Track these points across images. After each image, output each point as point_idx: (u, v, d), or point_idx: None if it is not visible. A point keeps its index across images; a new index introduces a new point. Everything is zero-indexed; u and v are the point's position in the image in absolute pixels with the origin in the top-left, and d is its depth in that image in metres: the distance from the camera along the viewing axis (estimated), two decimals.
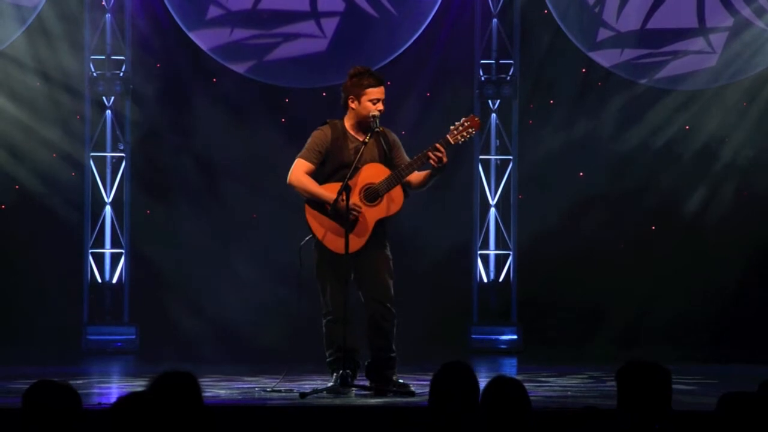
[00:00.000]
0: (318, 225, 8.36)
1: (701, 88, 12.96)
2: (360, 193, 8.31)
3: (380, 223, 8.37)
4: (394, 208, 8.35)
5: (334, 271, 8.31)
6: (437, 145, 8.23)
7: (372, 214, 8.33)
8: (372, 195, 8.32)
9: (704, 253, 12.93)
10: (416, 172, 8.37)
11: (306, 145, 8.44)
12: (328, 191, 8.30)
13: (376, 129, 8.34)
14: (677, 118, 13.07)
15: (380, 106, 8.37)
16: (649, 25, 12.87)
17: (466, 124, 8.38)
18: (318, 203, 8.34)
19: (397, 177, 8.30)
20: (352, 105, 8.40)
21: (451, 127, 8.39)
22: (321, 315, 8.45)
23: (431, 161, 8.22)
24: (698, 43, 12.86)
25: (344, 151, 8.34)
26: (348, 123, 8.44)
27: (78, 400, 4.68)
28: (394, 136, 8.50)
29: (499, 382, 4.72)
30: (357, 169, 8.29)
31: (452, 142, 8.32)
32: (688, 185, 13.02)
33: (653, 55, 12.90)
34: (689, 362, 11.27)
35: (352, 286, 8.41)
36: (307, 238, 8.40)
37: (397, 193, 8.34)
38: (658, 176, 13.06)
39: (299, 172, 8.38)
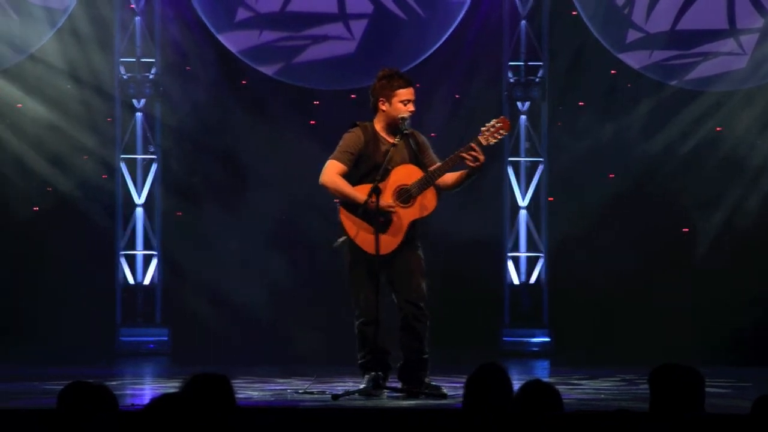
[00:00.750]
0: (352, 226, 8.35)
1: (731, 89, 12.90)
2: (393, 194, 8.30)
3: (413, 225, 8.36)
4: (428, 209, 8.35)
5: (367, 273, 8.30)
6: (472, 145, 8.21)
7: (406, 215, 8.32)
8: (405, 196, 8.32)
9: (736, 254, 12.87)
10: (449, 173, 8.35)
11: (338, 147, 8.44)
12: (361, 193, 8.30)
13: (405, 131, 8.33)
14: (708, 120, 13.01)
15: (411, 107, 8.37)
16: (679, 26, 12.82)
17: (497, 125, 8.36)
18: (352, 205, 8.34)
19: (431, 178, 8.29)
20: (383, 107, 8.40)
21: (482, 129, 8.36)
22: (354, 317, 8.44)
23: (467, 161, 8.20)
24: (728, 44, 12.81)
25: (377, 154, 8.34)
26: (378, 125, 8.44)
27: (114, 401, 4.70)
28: (422, 138, 8.49)
29: (533, 387, 4.71)
30: (387, 171, 8.28)
31: (483, 144, 8.30)
32: (719, 187, 12.97)
33: (683, 57, 12.85)
34: (723, 365, 11.21)
35: (386, 287, 8.40)
36: (341, 239, 8.38)
37: (431, 194, 8.34)
38: (689, 177, 13.00)
39: (332, 173, 8.38)
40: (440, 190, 8.41)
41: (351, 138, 8.43)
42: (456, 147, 8.29)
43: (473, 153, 8.18)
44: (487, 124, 8.36)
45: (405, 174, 8.33)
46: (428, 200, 8.34)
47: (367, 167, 8.35)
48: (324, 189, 8.42)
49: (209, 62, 13.11)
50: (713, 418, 4.88)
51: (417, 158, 8.39)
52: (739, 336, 12.57)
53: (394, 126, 8.36)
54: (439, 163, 8.34)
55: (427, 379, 8.38)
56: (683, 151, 13.03)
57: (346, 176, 8.39)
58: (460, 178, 8.35)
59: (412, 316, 8.37)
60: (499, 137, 8.37)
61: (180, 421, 4.30)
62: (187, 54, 13.14)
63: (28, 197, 12.95)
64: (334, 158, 8.41)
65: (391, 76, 8.41)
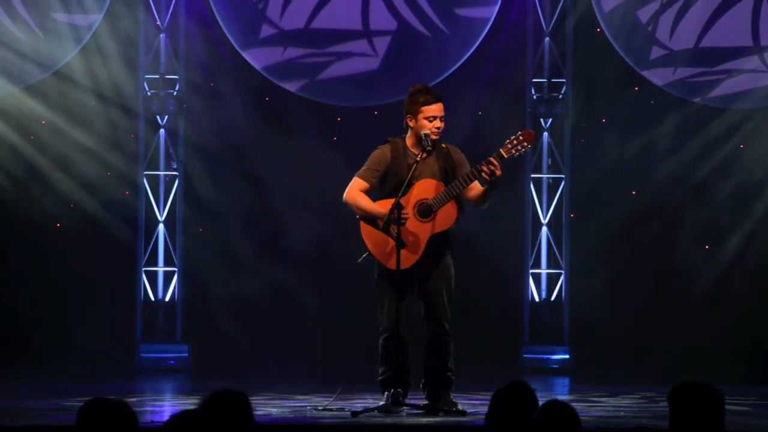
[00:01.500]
0: (371, 242, 8.36)
1: (756, 107, 12.87)
2: (414, 209, 8.30)
3: (441, 238, 8.33)
4: (446, 224, 8.30)
5: (391, 287, 8.29)
6: (491, 159, 8.19)
7: (425, 230, 8.31)
8: (426, 211, 8.31)
9: (758, 273, 12.82)
10: (475, 188, 8.33)
11: (365, 164, 8.46)
12: (383, 207, 8.31)
13: (428, 147, 8.32)
14: (731, 137, 12.98)
15: (437, 123, 8.31)
16: (703, 44, 12.80)
17: (520, 138, 8.32)
18: (371, 220, 8.36)
19: (450, 193, 8.26)
20: (411, 123, 8.39)
21: (506, 141, 8.34)
22: (378, 332, 8.45)
23: (483, 174, 8.18)
24: (752, 61, 12.78)
25: (404, 170, 8.33)
26: (409, 141, 8.41)
27: (134, 418, 4.71)
28: (460, 156, 8.39)
29: (551, 407, 4.70)
30: (410, 186, 8.27)
31: (506, 156, 8.26)
32: (742, 205, 12.93)
33: (707, 74, 12.83)
34: (743, 383, 11.16)
35: (412, 302, 8.40)
36: (364, 255, 8.40)
37: (450, 208, 8.30)
38: (711, 195, 12.96)
39: (354, 190, 8.40)
40: (463, 205, 8.38)
41: (377, 155, 8.45)
42: (479, 162, 8.27)
43: (490, 167, 8.16)
44: (511, 137, 8.33)
45: (425, 188, 8.31)
46: (448, 214, 8.31)
47: (393, 183, 8.34)
48: (347, 206, 8.44)
49: (233, 79, 13.15)
50: None
51: (449, 175, 8.36)
52: (761, 354, 12.52)
53: (419, 141, 8.35)
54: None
55: (448, 397, 8.37)
56: (706, 168, 12.99)
57: (373, 192, 8.40)
58: (481, 193, 8.33)
59: (435, 336, 8.37)
60: (522, 150, 8.31)
61: None
62: (211, 71, 13.19)
63: (51, 213, 13.00)
64: (358, 175, 8.44)
65: (419, 92, 8.40)
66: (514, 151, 8.28)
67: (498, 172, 8.15)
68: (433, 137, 8.30)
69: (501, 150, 8.26)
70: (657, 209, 13.03)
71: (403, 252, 8.19)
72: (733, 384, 10.12)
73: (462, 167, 8.37)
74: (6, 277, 12.90)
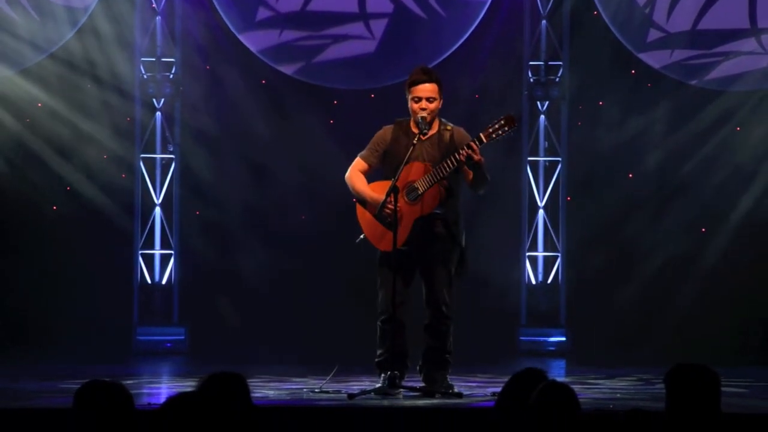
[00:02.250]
0: (365, 224, 8.39)
1: (752, 89, 12.86)
2: (403, 191, 8.29)
3: (441, 221, 8.30)
4: (429, 206, 8.26)
5: (389, 271, 8.29)
6: (470, 143, 8.16)
7: (411, 212, 8.29)
8: (413, 193, 8.30)
9: (754, 255, 12.83)
10: (468, 173, 8.30)
11: (368, 144, 8.47)
12: (376, 189, 8.31)
13: (425, 130, 8.30)
14: (728, 120, 12.97)
15: (423, 104, 8.26)
16: (700, 26, 12.78)
17: (502, 122, 8.28)
18: (365, 202, 8.37)
19: (435, 175, 8.23)
20: (408, 104, 8.39)
21: (487, 125, 8.31)
22: (377, 315, 8.45)
23: (461, 158, 8.13)
24: (750, 44, 12.76)
25: (402, 151, 8.31)
26: (412, 123, 8.41)
27: (130, 400, 4.71)
28: (463, 138, 8.30)
29: (549, 387, 4.70)
30: (405, 168, 8.25)
31: (485, 140, 8.21)
32: (739, 187, 12.93)
33: (704, 56, 12.81)
34: (741, 365, 11.18)
35: (414, 285, 8.41)
36: (361, 236, 8.42)
37: (434, 191, 8.26)
38: (708, 178, 12.96)
39: (353, 169, 8.47)
40: (454, 188, 8.33)
41: (378, 135, 8.48)
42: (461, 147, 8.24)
43: (468, 152, 8.12)
44: (493, 121, 8.30)
45: (415, 171, 8.29)
46: (433, 197, 8.27)
47: (391, 164, 8.35)
48: (346, 186, 8.50)
49: (229, 62, 13.13)
50: (730, 418, 4.87)
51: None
52: (758, 336, 12.54)
53: (418, 123, 8.33)
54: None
55: (445, 379, 8.38)
56: (703, 150, 12.99)
57: (376, 172, 8.40)
58: (471, 179, 8.30)
59: (434, 318, 8.40)
60: (503, 134, 8.25)
61: (196, 420, 4.31)
62: (208, 54, 13.16)
63: (47, 196, 12.99)
64: (359, 155, 8.49)
65: (412, 73, 8.39)
66: (494, 135, 8.24)
67: (476, 157, 8.10)
68: (417, 118, 8.24)
69: (481, 134, 8.23)
70: (653, 192, 13.03)
71: (388, 233, 8.18)
72: (731, 366, 10.14)
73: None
74: (2, 261, 12.88)
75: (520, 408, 4.76)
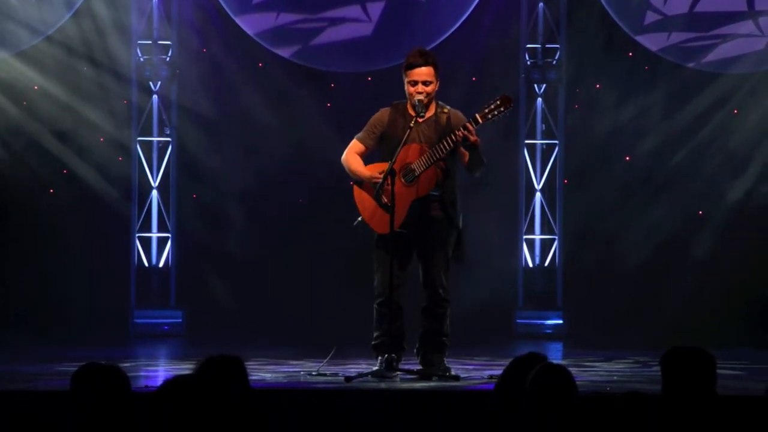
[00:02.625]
0: (362, 205, 8.39)
1: (749, 71, 12.85)
2: (400, 173, 8.28)
3: (439, 204, 8.30)
4: (425, 188, 8.24)
5: (386, 253, 8.29)
6: (466, 124, 8.15)
7: (407, 194, 8.28)
8: (410, 174, 8.30)
9: (752, 237, 12.83)
10: (466, 155, 8.28)
11: (364, 126, 8.46)
12: (373, 170, 8.31)
13: (421, 113, 8.29)
14: (725, 102, 12.97)
15: (419, 87, 8.24)
16: (698, 9, 12.76)
17: (497, 102, 8.26)
18: (362, 184, 8.37)
19: (431, 156, 8.22)
20: (405, 87, 8.37)
21: (483, 106, 8.29)
22: (373, 297, 8.46)
23: (457, 139, 8.12)
24: (747, 26, 12.75)
25: (399, 133, 8.29)
26: (409, 105, 8.39)
27: (127, 382, 4.72)
28: (460, 120, 8.28)
29: (545, 369, 4.71)
30: (402, 150, 8.24)
31: (480, 121, 8.19)
32: (736, 169, 12.93)
33: (701, 39, 12.80)
34: (738, 347, 11.19)
35: (411, 268, 8.41)
36: (359, 219, 8.41)
37: (430, 172, 8.25)
38: (705, 160, 12.97)
39: (350, 151, 8.45)
40: (451, 170, 8.32)
41: (375, 117, 8.47)
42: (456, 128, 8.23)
43: (464, 132, 8.11)
44: (488, 102, 8.28)
45: (411, 153, 8.27)
46: (429, 178, 8.26)
47: (388, 146, 8.34)
48: (342, 168, 8.48)
49: (226, 45, 13.11)
50: (725, 400, 4.89)
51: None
52: (754, 318, 12.55)
53: (414, 106, 8.31)
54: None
55: (442, 362, 8.39)
56: (700, 134, 12.99)
57: (373, 155, 8.39)
58: (467, 160, 8.29)
59: (431, 301, 8.39)
60: (499, 114, 8.23)
61: (193, 403, 4.32)
62: (204, 36, 13.14)
63: (44, 179, 12.98)
64: (356, 137, 8.48)
65: (409, 55, 8.36)
66: (490, 116, 8.22)
67: (472, 138, 8.09)
68: (413, 101, 8.22)
69: (477, 114, 8.21)
70: (650, 174, 13.03)
71: (386, 215, 8.18)
72: (727, 348, 10.16)
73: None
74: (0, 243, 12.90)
75: (519, 391, 4.76)
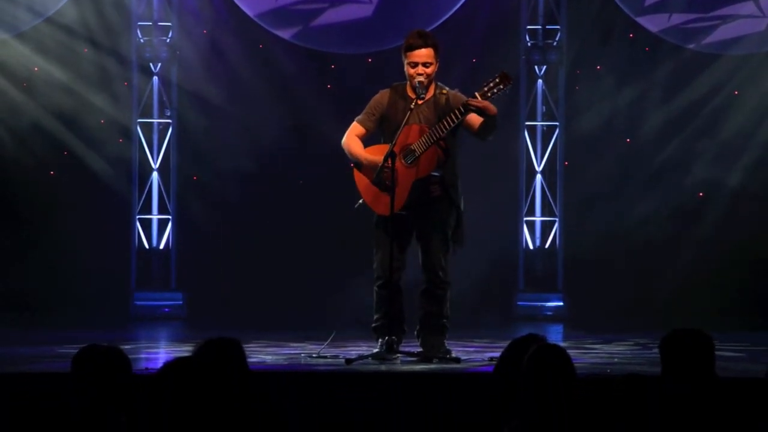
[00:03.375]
0: (362, 188, 8.38)
1: (750, 52, 12.83)
2: (400, 154, 8.26)
3: (438, 185, 8.29)
4: (425, 169, 8.23)
5: (386, 235, 8.28)
6: (467, 101, 8.13)
7: (408, 175, 8.26)
8: (410, 155, 8.28)
9: (752, 220, 12.83)
10: (475, 120, 8.25)
11: (364, 109, 8.44)
12: (373, 152, 8.30)
13: (422, 95, 8.27)
14: (725, 84, 12.95)
15: (420, 69, 8.22)
16: None
17: (497, 80, 8.23)
18: (362, 166, 8.35)
19: (431, 137, 8.19)
20: (405, 69, 8.35)
21: (483, 83, 8.27)
22: (373, 279, 8.46)
23: (457, 118, 8.05)
24: (748, 7, 12.72)
25: (399, 115, 8.28)
26: (408, 87, 8.38)
27: (128, 364, 4.73)
28: (459, 99, 8.25)
29: (542, 350, 4.70)
30: (402, 132, 8.22)
31: (479, 98, 8.17)
32: (736, 152, 12.92)
33: (702, 20, 12.77)
34: (738, 329, 11.19)
35: (411, 251, 8.40)
36: (360, 201, 8.40)
37: (430, 153, 8.23)
38: (705, 143, 12.95)
39: (350, 135, 8.42)
40: (451, 151, 8.30)
41: (374, 99, 8.44)
42: (456, 108, 8.20)
43: (475, 102, 8.08)
44: (488, 79, 8.25)
45: (411, 133, 8.25)
46: (429, 158, 8.24)
47: (388, 128, 8.33)
48: (342, 150, 8.46)
49: (226, 26, 13.08)
50: (725, 381, 4.89)
51: None
52: (756, 300, 12.55)
53: (414, 88, 8.29)
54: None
55: (442, 345, 8.39)
56: (701, 114, 12.97)
57: (373, 136, 8.37)
58: (481, 124, 8.22)
59: (431, 283, 8.38)
60: (498, 92, 8.21)
61: (192, 385, 4.31)
62: (204, 18, 13.12)
63: (44, 161, 12.98)
64: (356, 119, 8.46)
65: (408, 37, 8.34)
66: (489, 94, 8.19)
67: (490, 107, 8.04)
68: (414, 82, 8.21)
69: (476, 93, 8.17)
70: (651, 156, 13.02)
71: (386, 197, 8.17)
72: (728, 331, 10.15)
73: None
74: None
75: (517, 373, 4.76)
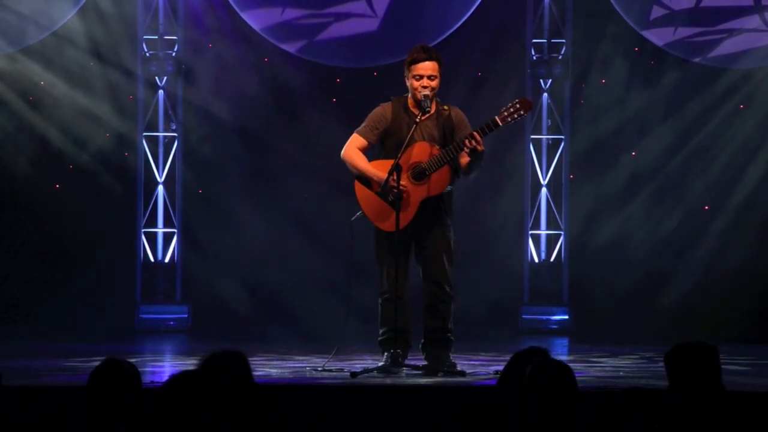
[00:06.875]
0: (365, 203, 8.36)
1: (755, 66, 12.84)
2: (408, 171, 8.27)
3: (438, 202, 8.31)
4: (440, 188, 8.26)
5: (389, 249, 8.29)
6: (474, 133, 8.13)
7: (417, 193, 8.27)
8: (419, 174, 8.27)
9: (758, 232, 12.82)
10: (465, 157, 8.26)
11: (365, 121, 8.43)
12: (378, 168, 8.29)
13: (427, 109, 8.28)
14: (731, 97, 12.96)
15: (425, 82, 8.22)
16: (703, 3, 12.75)
17: (517, 106, 8.25)
18: (365, 180, 8.35)
19: (444, 157, 8.21)
20: (407, 82, 8.35)
21: (502, 108, 8.29)
22: (378, 293, 8.45)
23: (465, 148, 8.13)
24: (753, 21, 12.74)
25: (403, 130, 8.28)
26: (410, 101, 8.37)
27: (140, 379, 4.74)
28: (461, 118, 8.30)
29: (541, 366, 4.70)
30: (408, 147, 8.23)
31: (500, 124, 8.19)
32: (742, 164, 12.92)
33: (707, 34, 12.78)
34: (743, 343, 11.18)
35: (413, 264, 8.40)
36: (358, 214, 8.40)
37: (444, 172, 8.27)
38: (711, 155, 12.96)
39: (351, 147, 8.38)
40: (458, 169, 8.34)
41: (377, 113, 8.41)
42: (477, 125, 8.22)
43: (472, 142, 8.10)
44: (508, 104, 8.27)
45: (420, 151, 8.25)
46: (441, 179, 8.27)
47: (392, 143, 8.31)
48: (344, 163, 8.42)
49: (232, 40, 13.11)
50: (732, 396, 4.88)
51: (449, 136, 8.30)
52: (762, 314, 12.54)
53: (419, 102, 8.30)
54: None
55: (447, 358, 8.38)
56: (706, 128, 12.98)
57: (373, 151, 8.37)
58: (466, 164, 8.27)
59: (434, 297, 8.37)
60: (518, 117, 8.25)
61: (198, 398, 4.32)
62: (210, 32, 13.14)
63: (49, 175, 12.99)
64: (357, 132, 8.43)
65: (412, 51, 8.34)
66: (510, 119, 8.21)
67: (479, 148, 8.06)
68: (419, 96, 8.21)
69: (496, 117, 8.19)
70: (656, 170, 13.02)
71: (392, 213, 8.16)
72: (734, 344, 10.14)
73: (461, 129, 8.28)
74: (6, 238, 12.90)
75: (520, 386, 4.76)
